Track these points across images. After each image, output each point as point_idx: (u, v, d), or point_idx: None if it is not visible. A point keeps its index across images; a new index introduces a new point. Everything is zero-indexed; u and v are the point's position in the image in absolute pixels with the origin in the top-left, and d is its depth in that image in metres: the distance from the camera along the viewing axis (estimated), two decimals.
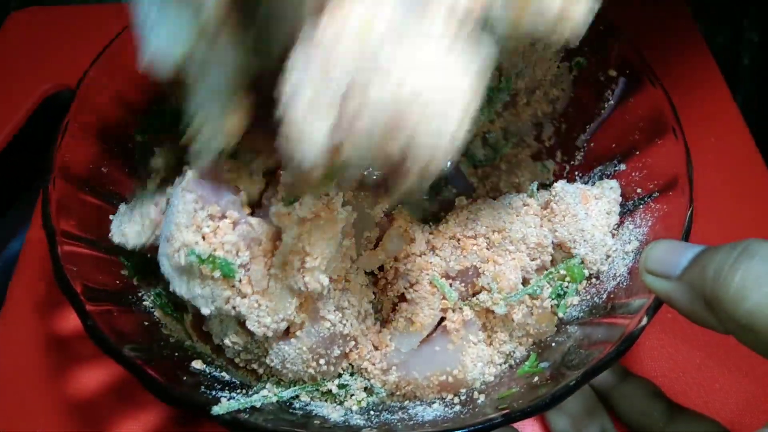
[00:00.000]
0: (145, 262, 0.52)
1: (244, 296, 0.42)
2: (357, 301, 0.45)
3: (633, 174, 0.56)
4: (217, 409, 0.42)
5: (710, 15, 0.97)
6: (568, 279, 0.52)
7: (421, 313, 0.48)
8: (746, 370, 0.58)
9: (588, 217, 0.53)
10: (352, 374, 0.48)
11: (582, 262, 0.52)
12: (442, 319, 0.50)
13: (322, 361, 0.43)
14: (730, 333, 0.34)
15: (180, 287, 0.43)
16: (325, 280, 0.41)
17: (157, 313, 0.50)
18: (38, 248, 0.67)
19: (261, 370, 0.45)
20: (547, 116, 0.66)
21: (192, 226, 0.41)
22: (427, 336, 0.49)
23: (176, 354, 0.46)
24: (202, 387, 0.43)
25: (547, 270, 0.53)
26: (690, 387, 0.58)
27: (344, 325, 0.43)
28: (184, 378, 0.44)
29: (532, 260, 0.52)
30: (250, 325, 0.42)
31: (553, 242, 0.53)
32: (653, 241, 0.41)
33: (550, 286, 0.51)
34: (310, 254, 0.40)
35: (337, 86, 0.27)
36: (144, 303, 0.51)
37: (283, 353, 0.43)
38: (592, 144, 0.62)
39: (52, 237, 0.46)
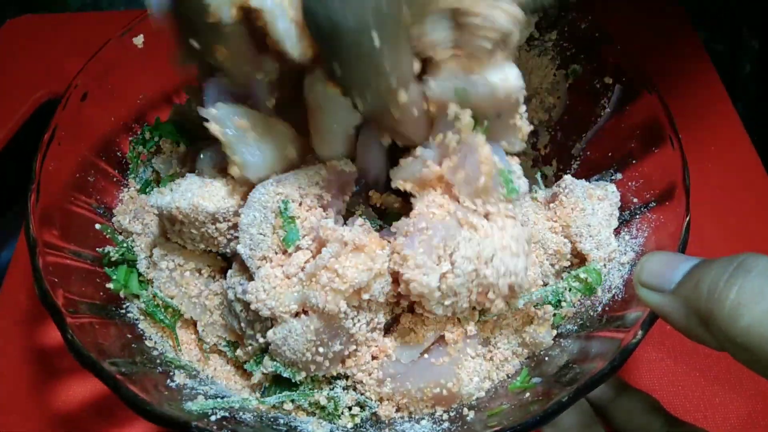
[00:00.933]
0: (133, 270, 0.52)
1: (271, 267, 0.44)
2: (375, 311, 0.46)
3: (629, 183, 0.55)
4: (190, 405, 0.41)
5: (710, 23, 0.96)
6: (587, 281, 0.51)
7: (424, 325, 0.48)
8: (746, 384, 0.57)
9: (595, 214, 0.52)
10: (344, 388, 0.47)
11: (586, 259, 0.52)
12: None
13: (321, 350, 0.44)
14: (724, 350, 0.33)
15: (247, 215, 0.45)
16: (343, 306, 0.42)
17: (141, 325, 0.49)
18: (26, 259, 0.66)
19: (260, 339, 0.46)
20: (542, 124, 0.65)
21: (302, 189, 0.45)
22: (426, 348, 0.48)
23: (159, 368, 0.45)
24: (184, 401, 0.42)
25: (564, 277, 0.52)
26: (689, 401, 0.57)
27: (354, 324, 0.44)
28: (165, 393, 0.42)
29: (552, 265, 0.52)
30: (251, 288, 0.44)
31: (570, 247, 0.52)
32: (648, 253, 0.39)
33: (554, 293, 0.50)
34: (341, 276, 0.41)
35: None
36: (128, 315, 0.50)
37: (289, 327, 0.43)
38: (588, 152, 0.61)
39: (33, 247, 0.45)
